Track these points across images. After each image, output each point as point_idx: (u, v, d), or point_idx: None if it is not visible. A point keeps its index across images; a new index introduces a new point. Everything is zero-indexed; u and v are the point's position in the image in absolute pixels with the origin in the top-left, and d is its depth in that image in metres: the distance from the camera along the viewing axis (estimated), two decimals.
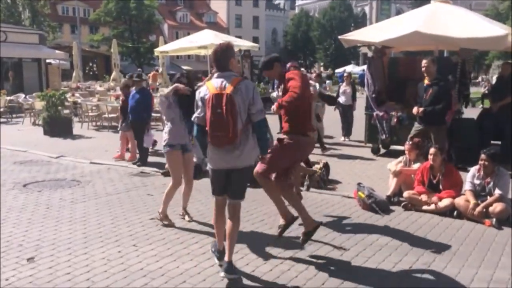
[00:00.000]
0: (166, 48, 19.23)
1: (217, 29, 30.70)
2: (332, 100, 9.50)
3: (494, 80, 20.08)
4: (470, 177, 5.76)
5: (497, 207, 5.32)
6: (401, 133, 8.66)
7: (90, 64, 40.73)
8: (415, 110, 7.08)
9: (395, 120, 8.73)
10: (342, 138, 11.72)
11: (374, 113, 9.19)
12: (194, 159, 7.64)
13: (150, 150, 9.02)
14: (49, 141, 11.67)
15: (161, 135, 5.75)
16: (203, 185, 6.52)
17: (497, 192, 5.43)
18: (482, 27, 8.50)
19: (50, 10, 39.03)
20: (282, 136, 4.68)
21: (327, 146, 10.14)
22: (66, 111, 14.28)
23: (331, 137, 11.65)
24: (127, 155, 9.27)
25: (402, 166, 6.52)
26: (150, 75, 23.33)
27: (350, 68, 41.70)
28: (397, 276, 4.09)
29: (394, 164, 6.66)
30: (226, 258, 3.88)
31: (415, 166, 6.40)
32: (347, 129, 11.81)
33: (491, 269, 4.21)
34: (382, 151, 9.78)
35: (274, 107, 4.48)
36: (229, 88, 3.73)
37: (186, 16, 60.50)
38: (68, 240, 4.82)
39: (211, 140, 3.80)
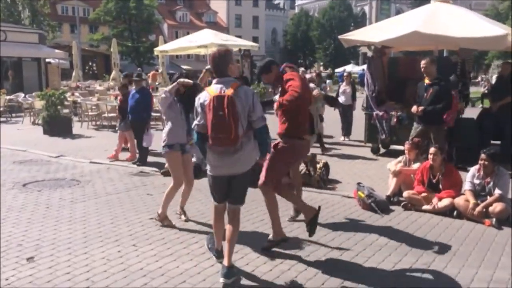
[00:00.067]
0: (166, 48, 19.21)
1: (216, 28, 30.66)
2: (335, 102, 9.49)
3: (493, 80, 20.09)
4: (470, 177, 5.76)
5: (497, 207, 5.32)
6: (401, 133, 8.67)
7: (90, 64, 40.73)
8: (414, 109, 7.08)
9: (395, 120, 8.73)
10: (342, 138, 11.72)
11: (374, 113, 9.19)
12: (194, 159, 7.66)
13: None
14: (48, 141, 11.66)
15: (159, 134, 5.75)
16: (203, 185, 6.50)
17: (497, 192, 5.43)
18: (482, 27, 8.50)
19: (50, 9, 38.99)
20: (277, 141, 4.67)
21: (327, 146, 10.14)
22: (66, 111, 14.29)
23: (331, 137, 11.65)
24: (125, 155, 9.23)
25: (402, 166, 6.52)
26: (150, 75, 23.33)
27: (350, 67, 41.71)
28: (397, 276, 4.09)
29: (393, 164, 6.66)
30: (225, 263, 3.86)
31: (415, 166, 6.40)
32: (347, 129, 11.81)
33: (491, 269, 4.21)
34: (382, 150, 9.78)
35: (274, 105, 4.48)
36: (229, 91, 3.72)
37: (185, 16, 60.51)
38: (67, 240, 4.82)
39: (213, 141, 3.76)
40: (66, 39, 42.76)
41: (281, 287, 3.85)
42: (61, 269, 4.10)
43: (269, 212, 4.58)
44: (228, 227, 4.02)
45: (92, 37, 47.52)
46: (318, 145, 9.66)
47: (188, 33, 25.46)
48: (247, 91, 3.84)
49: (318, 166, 7.08)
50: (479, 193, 5.62)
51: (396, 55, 16.81)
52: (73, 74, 27.49)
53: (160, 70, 24.75)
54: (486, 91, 19.12)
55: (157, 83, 22.93)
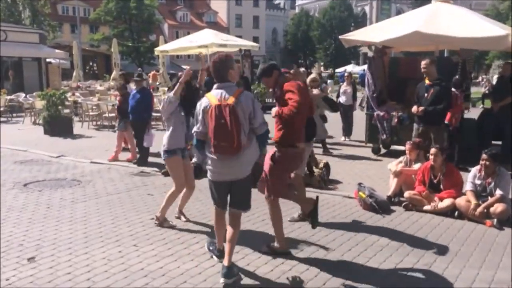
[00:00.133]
0: (166, 48, 19.20)
1: (217, 28, 30.68)
2: (334, 106, 9.39)
3: (494, 80, 20.08)
4: (471, 177, 5.75)
5: (498, 207, 5.32)
6: (402, 133, 8.67)
7: (90, 64, 40.81)
8: (414, 109, 7.08)
9: (396, 120, 8.73)
10: (343, 138, 11.71)
11: (375, 113, 9.19)
12: (195, 159, 7.66)
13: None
14: (49, 141, 11.66)
15: (161, 135, 5.74)
16: (204, 185, 6.47)
17: (498, 192, 5.42)
18: (482, 27, 8.49)
19: (50, 9, 39.05)
20: (272, 150, 4.68)
21: (328, 147, 10.11)
22: (67, 111, 14.29)
23: (331, 137, 11.62)
24: (126, 155, 9.22)
25: (403, 166, 6.51)
26: (150, 75, 23.34)
27: (351, 68, 41.77)
28: (398, 277, 4.09)
29: (394, 164, 6.65)
30: (225, 263, 3.86)
31: (416, 166, 6.39)
32: (347, 129, 11.80)
33: (493, 269, 4.21)
34: (383, 151, 9.77)
35: (272, 111, 4.48)
36: (231, 99, 3.72)
37: (186, 16, 60.53)
38: (68, 240, 4.82)
39: (215, 149, 3.77)
40: (67, 39, 42.77)
41: (282, 286, 3.85)
42: (62, 269, 4.10)
43: (273, 224, 4.56)
44: (229, 228, 4.02)
45: (93, 37, 47.53)
46: (320, 145, 9.65)
47: (188, 33, 25.47)
48: (247, 96, 3.85)
49: (319, 166, 7.07)
50: (480, 193, 5.62)
51: (397, 55, 16.80)
52: (74, 74, 27.52)
53: (161, 71, 24.75)
54: (487, 92, 19.12)
55: (157, 83, 22.93)
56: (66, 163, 8.87)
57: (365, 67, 13.15)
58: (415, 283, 4.00)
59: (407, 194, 6.03)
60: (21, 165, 8.67)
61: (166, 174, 7.45)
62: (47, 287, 3.80)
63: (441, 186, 5.89)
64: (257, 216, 5.59)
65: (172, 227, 5.21)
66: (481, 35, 8.11)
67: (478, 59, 43.62)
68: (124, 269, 4.12)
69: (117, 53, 26.31)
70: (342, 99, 11.82)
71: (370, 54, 10.22)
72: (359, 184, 6.35)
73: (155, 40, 41.70)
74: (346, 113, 11.76)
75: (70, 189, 6.92)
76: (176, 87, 5.02)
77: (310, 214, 4.62)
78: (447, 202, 5.68)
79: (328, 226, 5.29)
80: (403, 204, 6.02)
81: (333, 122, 12.36)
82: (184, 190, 5.35)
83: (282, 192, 4.60)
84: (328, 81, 27.97)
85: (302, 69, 10.53)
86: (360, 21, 60.11)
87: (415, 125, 7.22)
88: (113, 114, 13.30)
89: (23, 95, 18.22)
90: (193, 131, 3.96)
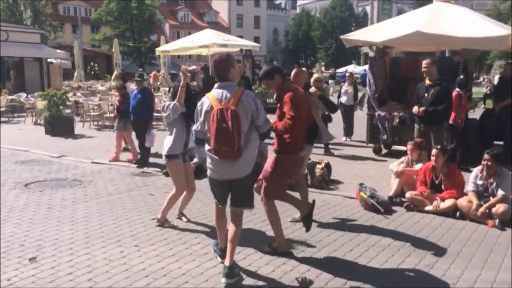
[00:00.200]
0: (167, 48, 19.19)
1: (218, 28, 30.69)
2: (330, 106, 9.30)
3: (495, 80, 20.05)
4: (473, 177, 5.74)
5: (500, 208, 5.30)
6: (403, 133, 8.67)
7: (92, 64, 40.85)
8: (415, 109, 7.07)
9: (397, 120, 8.72)
10: (344, 138, 11.70)
11: (376, 113, 9.18)
12: (196, 159, 7.66)
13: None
14: (50, 141, 11.67)
15: (162, 134, 5.73)
16: (205, 185, 6.48)
17: (500, 193, 5.41)
18: (483, 27, 8.48)
19: (52, 9, 39.18)
20: (272, 156, 4.67)
21: (330, 147, 10.10)
22: (68, 111, 14.30)
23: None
24: (126, 156, 9.21)
25: (404, 167, 6.50)
26: (151, 75, 23.33)
27: (352, 68, 41.73)
28: (399, 277, 4.08)
29: (396, 165, 6.64)
30: (227, 263, 3.86)
31: (417, 166, 6.39)
32: (348, 129, 11.79)
33: (494, 270, 4.20)
34: (384, 151, 9.76)
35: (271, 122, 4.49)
36: (232, 102, 3.71)
37: (187, 16, 60.56)
38: (70, 240, 4.81)
39: (216, 153, 3.78)
40: (68, 39, 42.86)
41: (283, 287, 3.85)
42: (63, 270, 4.10)
43: (271, 225, 4.56)
44: (230, 227, 4.02)
45: (94, 37, 47.60)
46: (321, 145, 9.63)
47: (189, 33, 25.45)
48: (249, 95, 3.84)
49: (320, 166, 7.06)
50: (482, 194, 5.61)
51: (398, 56, 16.79)
52: (75, 74, 27.55)
53: (162, 72, 24.75)
54: (488, 92, 19.08)
55: (158, 83, 22.93)
56: (67, 163, 8.87)
57: (366, 67, 13.15)
58: (416, 283, 3.99)
59: (408, 194, 6.02)
60: (22, 165, 8.68)
61: (167, 174, 7.43)
62: (49, 287, 3.80)
63: (443, 187, 5.88)
64: (258, 216, 5.58)
65: (174, 227, 5.21)
66: (483, 35, 8.11)
67: (480, 59, 43.56)
68: (126, 269, 4.11)
69: (118, 53, 26.31)
70: (343, 99, 11.81)
71: (371, 54, 10.21)
72: (360, 184, 6.34)
73: (156, 40, 41.67)
74: (347, 113, 11.76)
75: (71, 189, 6.92)
76: (179, 94, 4.98)
77: (304, 218, 4.60)
78: (448, 202, 5.67)
79: (329, 227, 5.28)
80: (404, 205, 6.01)
81: (334, 122, 12.29)
82: (185, 192, 5.34)
83: (279, 195, 4.60)
84: (330, 81, 27.97)
85: (303, 68, 10.50)
86: (361, 21, 60.07)
87: (416, 125, 7.21)
88: (113, 114, 13.31)
89: (25, 95, 18.24)
90: (192, 130, 3.95)
